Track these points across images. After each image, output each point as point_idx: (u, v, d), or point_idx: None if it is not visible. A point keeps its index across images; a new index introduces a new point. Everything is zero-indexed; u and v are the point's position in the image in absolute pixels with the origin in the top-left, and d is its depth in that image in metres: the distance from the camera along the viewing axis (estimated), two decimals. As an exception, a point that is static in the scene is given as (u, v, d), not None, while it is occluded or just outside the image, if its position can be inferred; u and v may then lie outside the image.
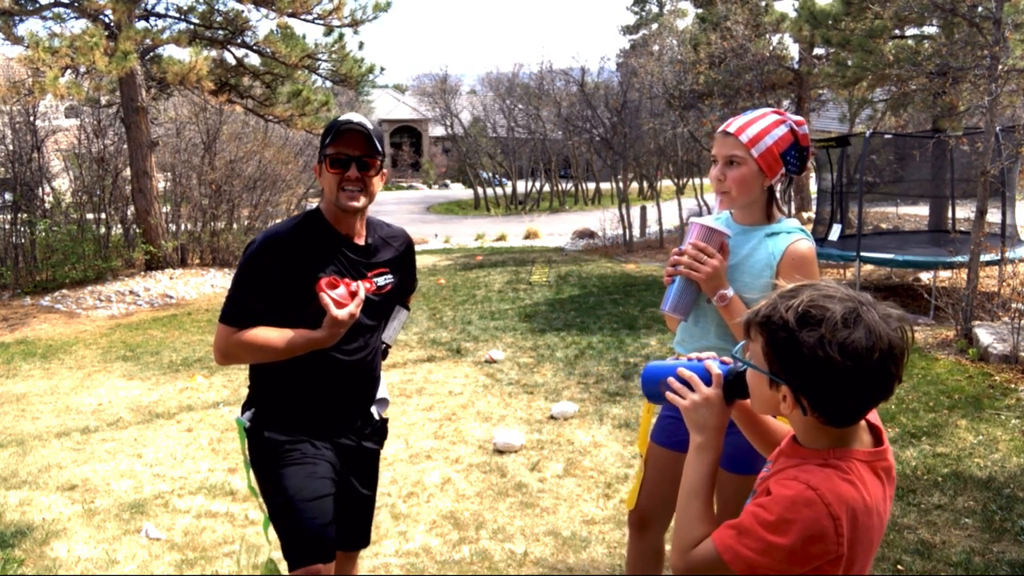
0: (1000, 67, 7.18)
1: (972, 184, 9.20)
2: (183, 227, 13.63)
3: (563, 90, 24.32)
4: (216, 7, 12.80)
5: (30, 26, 11.86)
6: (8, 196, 12.28)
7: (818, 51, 16.18)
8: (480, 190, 33.09)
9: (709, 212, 2.84)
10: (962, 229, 10.24)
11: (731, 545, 1.31)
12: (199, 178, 13.50)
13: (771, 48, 15.87)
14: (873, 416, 1.39)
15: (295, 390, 2.34)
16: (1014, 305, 6.98)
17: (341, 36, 13.26)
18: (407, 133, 44.91)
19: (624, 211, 16.21)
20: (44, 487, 4.52)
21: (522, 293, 10.59)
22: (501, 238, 21.11)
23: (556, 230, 22.10)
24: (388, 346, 2.59)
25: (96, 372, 7.27)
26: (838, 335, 1.23)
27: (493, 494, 4.23)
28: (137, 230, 12.45)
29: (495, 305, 9.80)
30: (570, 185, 34.42)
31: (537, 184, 33.45)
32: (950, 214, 11.37)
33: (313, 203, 2.86)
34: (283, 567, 2.37)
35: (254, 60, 13.57)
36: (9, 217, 12.10)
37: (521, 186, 34.05)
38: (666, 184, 21.16)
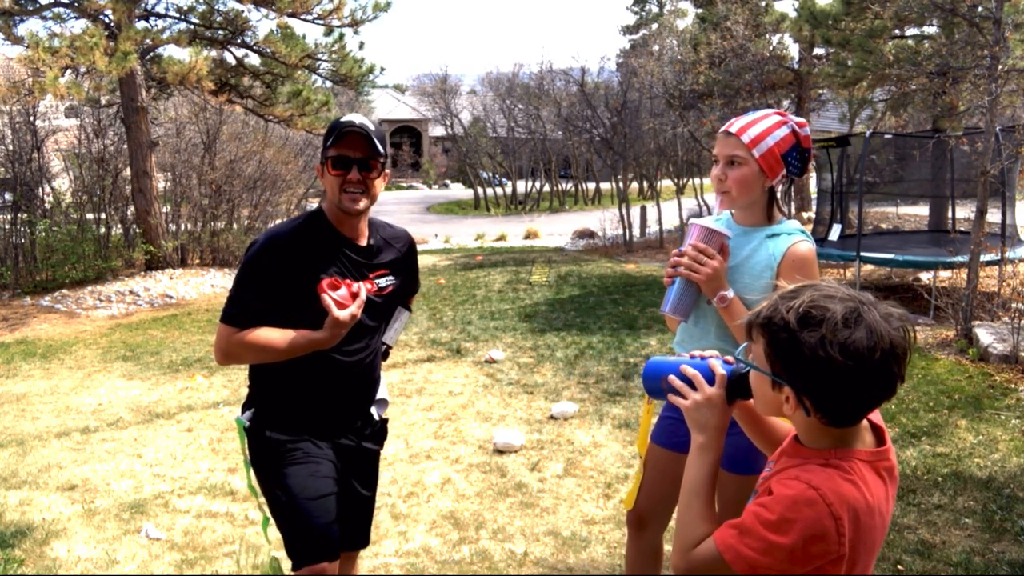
0: (1000, 67, 7.19)
1: (972, 184, 9.20)
2: (183, 227, 13.63)
3: (563, 90, 24.33)
4: (216, 7, 12.80)
5: (30, 26, 11.86)
6: (8, 196, 12.28)
7: (818, 51, 16.18)
8: (480, 190, 33.09)
9: (709, 212, 2.85)
10: (962, 229, 10.24)
11: (732, 544, 1.31)
12: (199, 178, 13.50)
13: (771, 48, 15.87)
14: (875, 416, 1.39)
15: (295, 390, 2.34)
16: (1014, 305, 6.98)
17: (341, 36, 13.27)
18: (407, 133, 44.91)
19: (624, 211, 16.22)
20: (44, 487, 4.52)
21: (522, 293, 10.59)
22: (501, 238, 21.11)
23: (556, 230, 22.10)
24: (389, 347, 2.59)
25: (96, 372, 7.27)
26: (839, 335, 1.23)
27: (493, 494, 4.23)
28: (137, 230, 12.45)
29: (495, 305, 9.80)
30: (570, 185, 34.42)
31: (537, 184, 33.46)
32: (950, 214, 11.38)
33: (313, 203, 2.86)
34: (286, 567, 2.37)
35: (254, 60, 13.58)
36: (9, 217, 12.10)
37: (521, 186, 34.05)
38: (666, 184, 21.16)
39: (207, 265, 13.30)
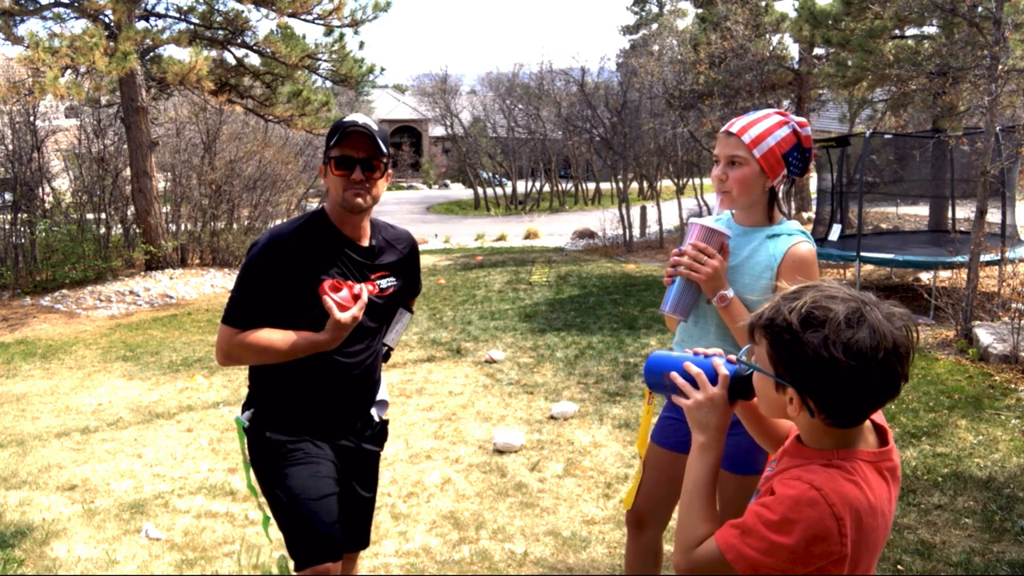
0: (1000, 67, 7.19)
1: (972, 184, 9.21)
2: (183, 227, 13.63)
3: (563, 90, 24.34)
4: (216, 7, 12.80)
5: (30, 26, 11.83)
6: (8, 196, 12.28)
7: (818, 51, 16.19)
8: (480, 190, 33.09)
9: (709, 212, 2.84)
10: (962, 229, 10.25)
11: (734, 544, 1.31)
12: (199, 178, 13.50)
13: (771, 48, 15.88)
14: (878, 416, 1.39)
15: (295, 391, 2.33)
16: (1014, 305, 6.98)
17: (341, 36, 13.27)
18: (407, 133, 44.90)
19: (624, 211, 16.22)
20: (44, 487, 4.52)
21: (522, 293, 10.59)
22: (501, 238, 21.11)
23: (556, 230, 22.09)
24: (390, 349, 2.58)
25: (96, 372, 7.27)
26: (842, 335, 1.23)
27: (493, 494, 4.23)
28: (137, 230, 12.45)
29: (495, 305, 9.80)
30: (570, 185, 34.42)
31: (537, 184, 33.45)
32: (950, 214, 11.38)
33: (313, 203, 2.85)
34: (290, 566, 2.37)
35: (254, 60, 13.58)
36: (9, 217, 12.10)
37: (521, 186, 34.05)
38: (666, 184, 21.17)
39: (207, 265, 13.30)
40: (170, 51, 12.93)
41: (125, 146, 12.49)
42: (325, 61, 13.50)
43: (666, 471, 2.45)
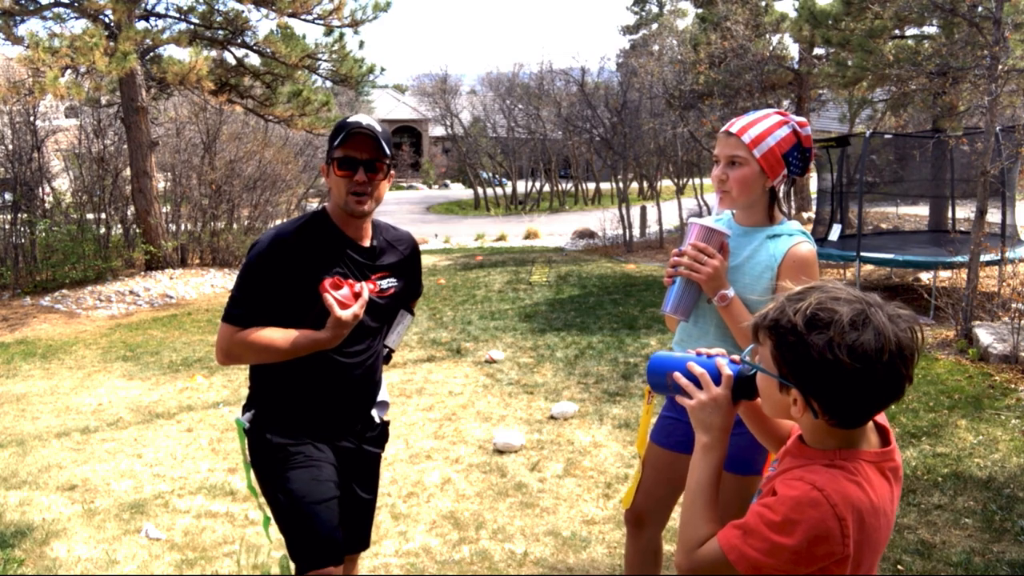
0: (1000, 67, 7.19)
1: (972, 184, 9.21)
2: (183, 227, 13.63)
3: (563, 90, 24.34)
4: (216, 7, 12.80)
5: (30, 26, 11.84)
6: (8, 196, 12.28)
7: (818, 51, 16.19)
8: (480, 190, 33.08)
9: (709, 212, 2.84)
10: (962, 229, 10.25)
11: (736, 545, 1.31)
12: (199, 178, 13.50)
13: (771, 48, 15.88)
14: (880, 416, 1.39)
15: (296, 392, 2.33)
16: (1014, 305, 6.98)
17: (341, 36, 13.27)
18: (407, 133, 44.90)
19: (624, 211, 16.22)
20: (44, 487, 4.51)
21: (522, 293, 10.59)
22: (501, 238, 21.10)
23: (556, 230, 22.09)
24: (391, 350, 2.57)
25: (96, 372, 7.27)
26: (847, 337, 1.23)
27: (493, 494, 4.23)
28: (137, 230, 12.45)
29: (495, 305, 9.80)
30: (570, 185, 34.42)
31: (537, 184, 33.45)
32: (950, 214, 11.38)
33: (313, 203, 2.85)
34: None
35: (254, 60, 13.58)
36: (9, 217, 12.11)
37: (521, 186, 34.05)
38: (666, 184, 21.17)
39: (207, 265, 13.30)
40: (170, 51, 12.95)
41: (125, 146, 12.49)
42: (325, 61, 13.50)
43: (665, 471, 2.45)
